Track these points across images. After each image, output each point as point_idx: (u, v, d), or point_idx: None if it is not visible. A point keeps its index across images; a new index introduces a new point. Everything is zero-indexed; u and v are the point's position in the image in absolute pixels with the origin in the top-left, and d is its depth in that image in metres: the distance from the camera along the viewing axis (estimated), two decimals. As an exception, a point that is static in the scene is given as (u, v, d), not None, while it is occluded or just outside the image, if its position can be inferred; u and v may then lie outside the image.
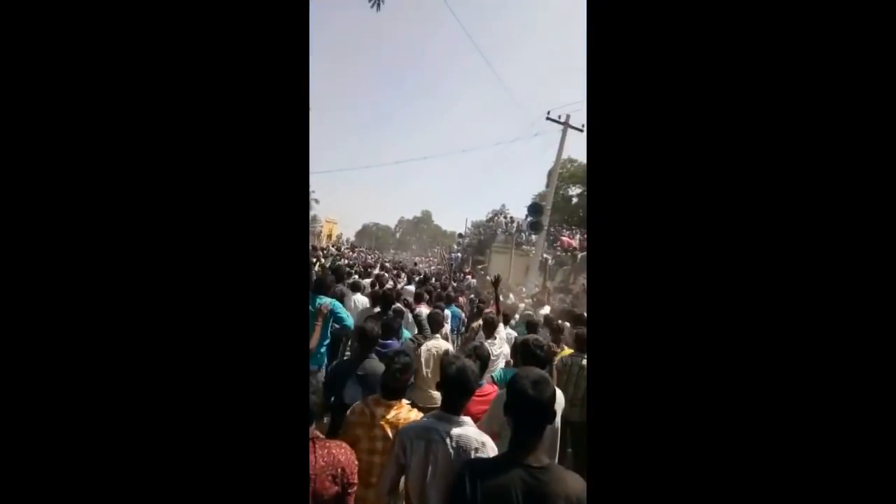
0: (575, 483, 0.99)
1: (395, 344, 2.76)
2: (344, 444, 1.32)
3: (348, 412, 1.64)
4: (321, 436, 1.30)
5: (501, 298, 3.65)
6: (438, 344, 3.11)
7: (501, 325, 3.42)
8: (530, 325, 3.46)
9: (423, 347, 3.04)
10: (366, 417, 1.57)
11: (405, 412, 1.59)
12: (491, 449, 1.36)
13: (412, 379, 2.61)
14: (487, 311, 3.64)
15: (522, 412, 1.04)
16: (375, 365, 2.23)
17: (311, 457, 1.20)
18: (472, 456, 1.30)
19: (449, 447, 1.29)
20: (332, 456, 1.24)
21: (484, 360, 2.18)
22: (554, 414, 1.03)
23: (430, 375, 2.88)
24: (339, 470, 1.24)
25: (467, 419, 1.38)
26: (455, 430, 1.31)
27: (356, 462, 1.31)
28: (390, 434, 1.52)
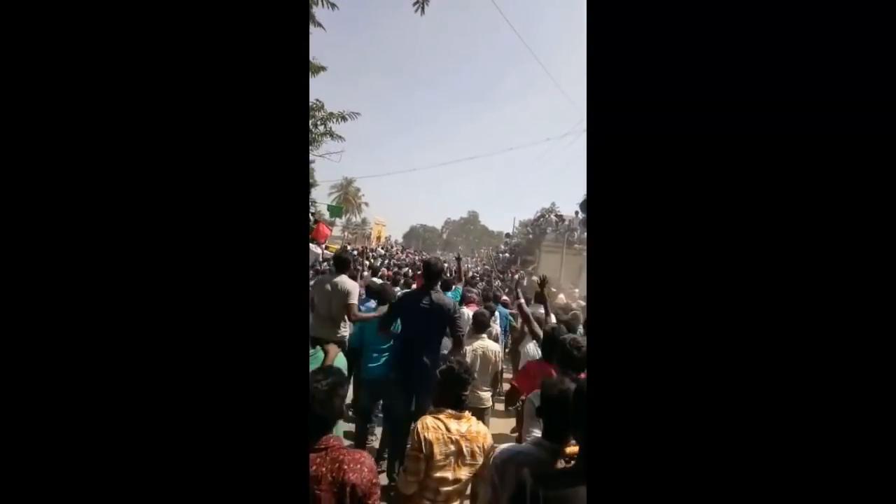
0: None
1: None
2: (364, 461, 1.15)
3: (419, 426, 1.50)
4: (342, 444, 1.18)
5: (549, 299, 3.41)
6: (485, 344, 3.07)
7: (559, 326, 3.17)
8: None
9: (469, 348, 2.97)
10: (440, 432, 1.47)
11: (475, 424, 1.54)
12: None
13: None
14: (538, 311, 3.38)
15: (556, 420, 1.07)
16: (440, 296, 2.43)
17: (321, 467, 1.10)
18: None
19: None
20: (342, 473, 1.11)
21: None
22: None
23: (476, 376, 2.79)
24: (348, 489, 1.09)
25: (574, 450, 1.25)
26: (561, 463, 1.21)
27: (376, 481, 1.16)
28: (465, 448, 1.47)
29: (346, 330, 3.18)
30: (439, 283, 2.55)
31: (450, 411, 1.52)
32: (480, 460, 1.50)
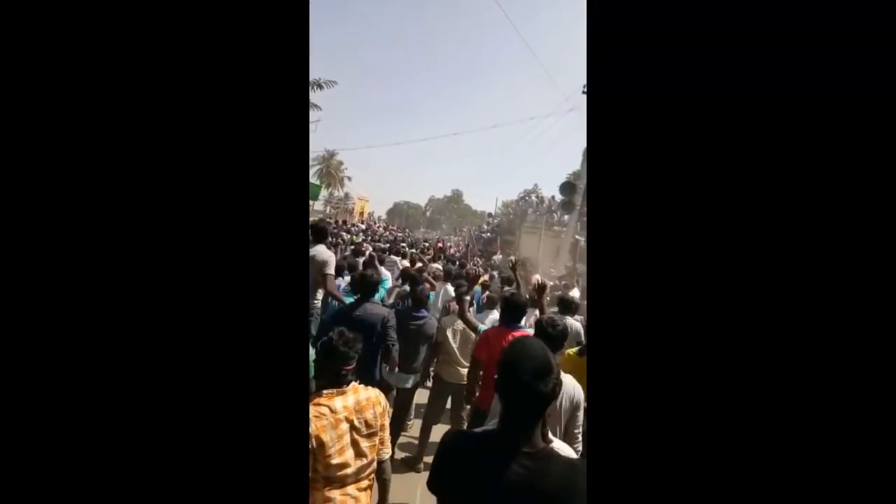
0: (573, 473, 0.85)
1: (425, 313, 2.85)
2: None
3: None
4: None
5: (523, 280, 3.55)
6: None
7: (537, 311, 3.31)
8: (564, 304, 3.31)
9: (451, 325, 3.07)
10: (325, 418, 1.35)
11: (363, 392, 1.45)
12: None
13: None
14: (508, 288, 3.58)
15: (518, 403, 0.87)
16: (373, 307, 2.48)
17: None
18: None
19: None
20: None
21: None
22: (553, 397, 0.87)
23: (457, 351, 2.94)
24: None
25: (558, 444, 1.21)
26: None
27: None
28: (356, 421, 1.39)
29: (317, 300, 3.25)
30: (373, 295, 2.61)
31: (329, 391, 1.40)
32: (380, 423, 1.45)
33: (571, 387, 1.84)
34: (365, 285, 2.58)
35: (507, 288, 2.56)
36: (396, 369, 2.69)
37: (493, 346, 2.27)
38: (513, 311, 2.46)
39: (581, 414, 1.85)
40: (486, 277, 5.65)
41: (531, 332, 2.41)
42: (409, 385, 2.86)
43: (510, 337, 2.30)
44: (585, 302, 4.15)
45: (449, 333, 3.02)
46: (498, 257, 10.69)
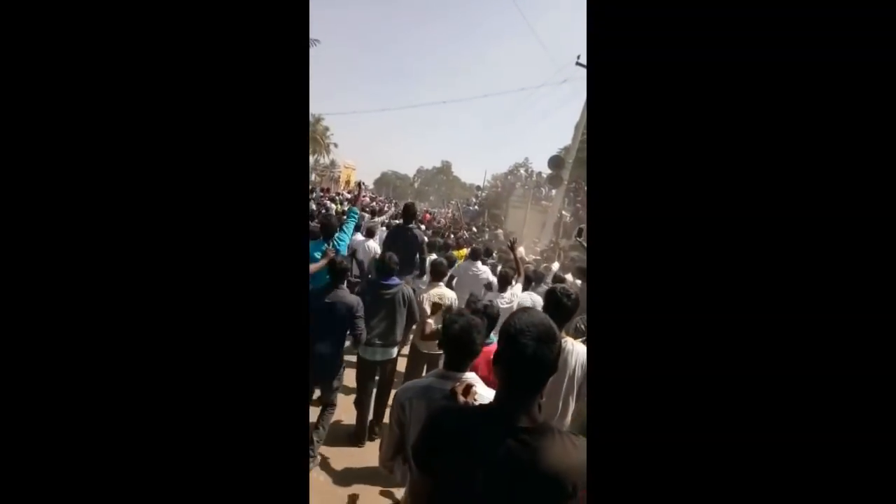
0: (574, 451, 0.81)
1: (395, 280, 2.83)
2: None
3: None
4: None
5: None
6: (441, 291, 3.15)
7: (519, 286, 3.37)
8: (528, 278, 3.38)
9: (425, 295, 3.09)
10: None
11: None
12: None
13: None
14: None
15: (518, 373, 0.83)
16: (343, 294, 2.48)
17: None
18: None
19: None
20: None
21: (492, 317, 2.07)
22: (555, 368, 0.84)
23: (434, 323, 2.93)
24: None
25: (472, 375, 1.27)
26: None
27: None
28: None
29: None
30: (342, 281, 2.57)
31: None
32: None
33: (582, 353, 1.82)
34: (335, 273, 2.54)
35: (481, 302, 2.46)
36: (378, 341, 2.69)
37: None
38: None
39: None
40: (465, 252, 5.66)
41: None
42: (392, 356, 2.83)
43: (487, 350, 2.17)
44: (571, 276, 4.21)
45: (426, 303, 3.00)
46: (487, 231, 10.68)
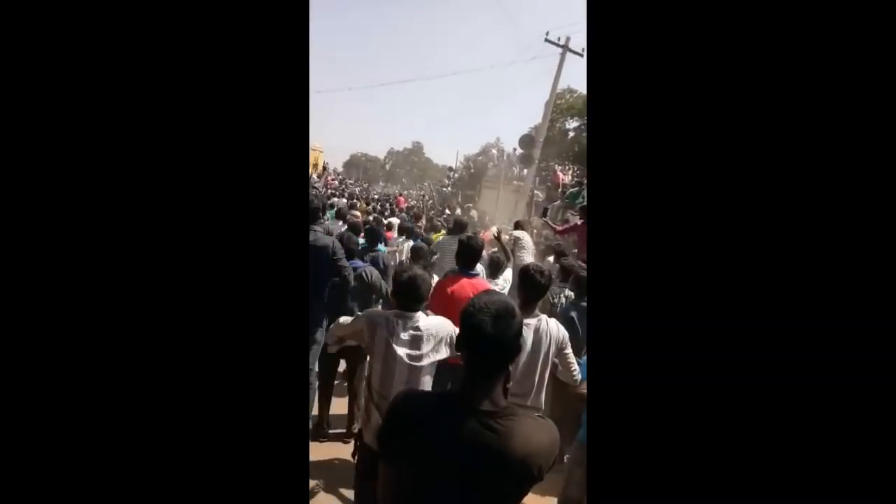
0: (539, 433, 0.79)
1: (359, 263, 2.78)
2: None
3: None
4: None
5: (484, 232, 3.70)
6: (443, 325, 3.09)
7: (509, 271, 3.34)
8: (493, 264, 3.29)
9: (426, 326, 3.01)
10: None
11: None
12: (449, 324, 1.62)
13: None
14: (493, 251, 3.61)
15: (479, 352, 0.81)
16: (317, 236, 2.39)
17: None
18: (431, 340, 1.57)
19: (407, 335, 1.57)
20: None
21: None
22: (519, 349, 0.83)
23: None
24: None
25: (420, 314, 1.62)
26: (410, 322, 1.58)
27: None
28: None
29: None
30: (319, 223, 2.53)
31: None
32: None
33: (555, 329, 1.84)
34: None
35: (465, 233, 2.51)
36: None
37: (450, 295, 2.20)
38: (467, 258, 2.38)
39: (570, 350, 1.87)
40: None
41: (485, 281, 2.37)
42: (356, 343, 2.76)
43: (469, 283, 2.24)
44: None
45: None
46: (458, 212, 10.61)
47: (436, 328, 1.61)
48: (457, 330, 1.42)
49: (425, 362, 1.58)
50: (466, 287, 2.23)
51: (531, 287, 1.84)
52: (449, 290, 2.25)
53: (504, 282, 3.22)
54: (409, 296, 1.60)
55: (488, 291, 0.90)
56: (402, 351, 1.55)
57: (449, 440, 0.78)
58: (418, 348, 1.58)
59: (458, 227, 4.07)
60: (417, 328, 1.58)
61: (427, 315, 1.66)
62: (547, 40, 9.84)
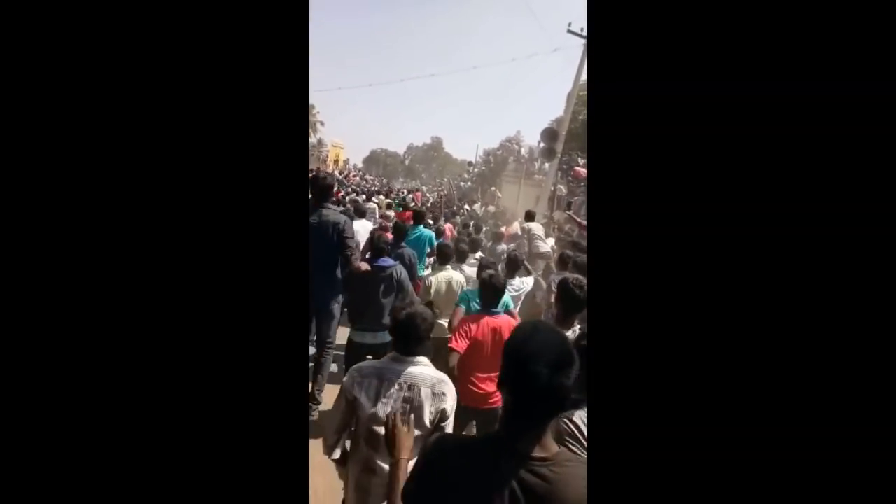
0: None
1: (389, 261, 2.76)
2: None
3: None
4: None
5: (504, 227, 3.58)
6: (449, 275, 3.03)
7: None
8: (511, 263, 3.14)
9: (433, 277, 2.99)
10: None
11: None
12: (447, 386, 1.38)
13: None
14: (511, 247, 3.50)
15: (533, 400, 0.72)
16: (328, 212, 2.36)
17: None
18: (424, 392, 1.33)
19: (402, 386, 1.34)
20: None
21: (498, 288, 2.18)
22: (570, 394, 0.73)
23: (440, 306, 2.82)
24: None
25: (422, 359, 1.41)
26: (409, 370, 1.36)
27: None
28: None
29: None
30: (329, 200, 2.49)
31: None
32: None
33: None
34: (318, 188, 2.43)
35: (487, 270, 2.39)
36: (368, 325, 2.61)
37: (475, 336, 2.07)
38: (489, 298, 2.21)
39: None
40: (448, 226, 5.57)
41: (507, 317, 2.25)
42: (384, 341, 2.61)
43: (491, 323, 2.11)
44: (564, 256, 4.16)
45: (433, 287, 2.91)
46: (478, 206, 10.56)
47: (433, 388, 1.34)
48: (453, 403, 1.36)
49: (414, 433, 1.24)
50: (489, 329, 2.08)
51: (570, 300, 1.79)
52: (473, 334, 2.07)
53: (521, 283, 3.10)
54: (407, 336, 1.40)
55: (539, 327, 0.79)
56: (392, 405, 1.30)
57: (496, 491, 0.70)
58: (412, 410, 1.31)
59: (442, 256, 3.23)
60: (411, 387, 1.33)
61: (426, 366, 1.42)
62: (569, 31, 9.62)
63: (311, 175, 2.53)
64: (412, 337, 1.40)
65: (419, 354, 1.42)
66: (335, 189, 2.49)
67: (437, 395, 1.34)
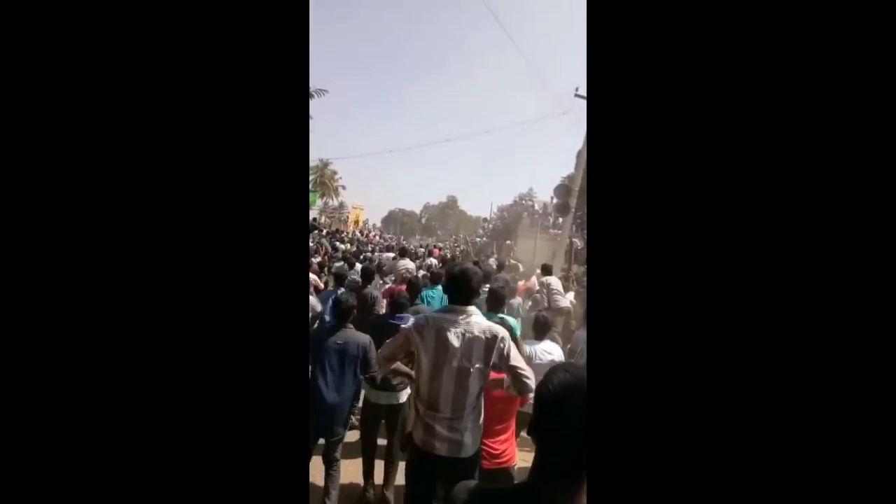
0: None
1: (406, 316, 2.77)
2: None
3: None
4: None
5: (523, 281, 3.55)
6: (494, 328, 2.75)
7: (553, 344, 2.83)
8: (539, 326, 2.77)
9: (478, 328, 2.76)
10: None
11: None
12: (500, 329, 1.56)
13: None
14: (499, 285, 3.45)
15: (559, 447, 0.69)
16: (353, 334, 2.45)
17: None
18: (483, 336, 1.52)
19: (460, 332, 1.52)
20: None
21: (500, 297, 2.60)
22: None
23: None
24: None
25: (473, 309, 1.59)
26: (463, 318, 1.55)
27: None
28: None
29: None
30: (349, 321, 2.49)
31: None
32: None
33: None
34: (340, 312, 2.48)
35: (497, 282, 2.58)
36: (383, 384, 2.55)
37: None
38: (497, 303, 2.37)
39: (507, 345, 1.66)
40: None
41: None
42: (399, 402, 2.58)
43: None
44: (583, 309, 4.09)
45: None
46: (492, 261, 10.60)
47: (489, 331, 1.54)
48: (508, 339, 1.54)
49: (476, 366, 1.48)
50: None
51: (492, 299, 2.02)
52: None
53: (552, 349, 2.62)
54: (461, 289, 1.58)
55: (568, 368, 0.75)
56: (451, 349, 1.49)
57: None
58: (469, 351, 1.49)
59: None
60: (469, 327, 1.53)
61: (478, 314, 1.60)
62: (577, 96, 10.20)
63: (333, 273, 2.74)
64: (464, 290, 1.58)
65: (471, 305, 1.60)
66: (353, 305, 2.60)
67: (490, 339, 1.53)
